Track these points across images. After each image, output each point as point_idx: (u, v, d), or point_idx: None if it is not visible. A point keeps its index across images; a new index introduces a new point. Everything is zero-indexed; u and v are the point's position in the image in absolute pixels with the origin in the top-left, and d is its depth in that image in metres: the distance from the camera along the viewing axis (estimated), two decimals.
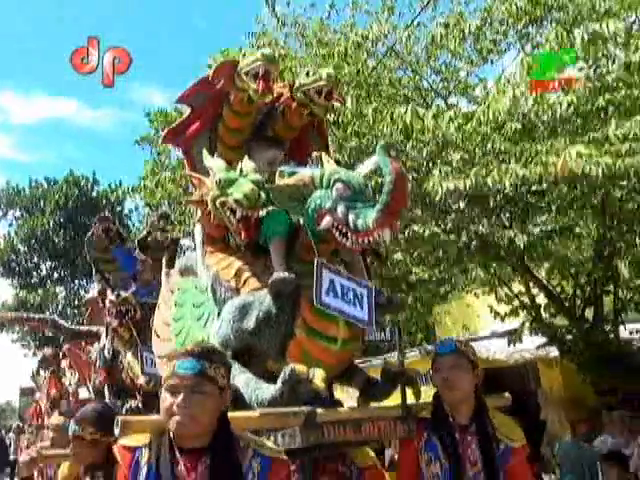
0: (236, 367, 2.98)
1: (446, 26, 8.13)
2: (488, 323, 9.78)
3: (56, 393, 8.16)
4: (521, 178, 5.71)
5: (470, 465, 2.79)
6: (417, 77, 8.58)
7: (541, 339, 8.49)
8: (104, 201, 28.38)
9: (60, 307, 25.41)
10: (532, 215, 7.53)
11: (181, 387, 2.09)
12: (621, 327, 8.01)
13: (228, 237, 3.42)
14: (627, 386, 7.67)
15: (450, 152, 6.46)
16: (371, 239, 2.75)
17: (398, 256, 7.12)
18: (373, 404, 3.18)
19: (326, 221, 2.83)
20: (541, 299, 8.39)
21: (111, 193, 28.57)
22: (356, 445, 3.16)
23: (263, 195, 3.10)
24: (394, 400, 3.08)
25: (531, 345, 8.77)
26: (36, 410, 12.44)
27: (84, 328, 7.40)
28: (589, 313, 8.16)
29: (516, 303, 8.56)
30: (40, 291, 26.97)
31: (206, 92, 3.59)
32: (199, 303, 3.47)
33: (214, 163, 3.33)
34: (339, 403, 3.14)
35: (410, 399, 3.04)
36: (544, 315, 8.28)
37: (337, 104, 3.85)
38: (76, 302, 24.74)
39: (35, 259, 29.10)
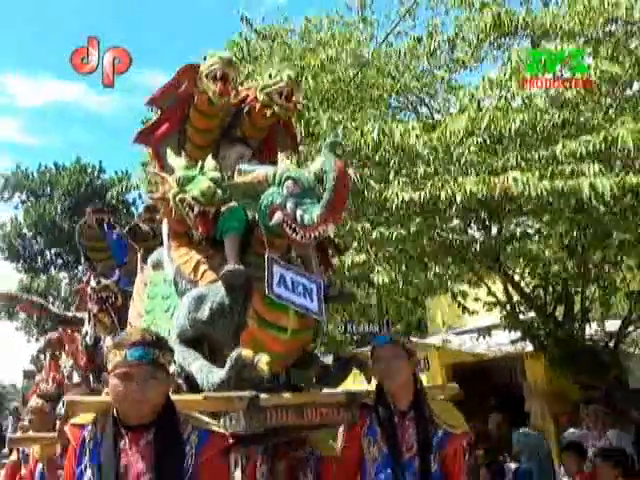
0: (192, 354, 3.20)
1: (419, 40, 8.36)
2: (474, 318, 10.04)
3: (58, 376, 8.33)
4: (470, 193, 5.88)
5: (406, 449, 2.97)
6: (398, 83, 8.68)
7: (518, 334, 8.78)
8: (110, 189, 28.74)
9: (63, 293, 25.69)
10: (502, 218, 7.69)
11: (135, 374, 2.29)
12: (593, 325, 8.31)
13: (191, 232, 3.58)
14: (592, 381, 7.92)
15: (418, 164, 6.62)
16: (317, 234, 2.92)
17: (363, 257, 7.30)
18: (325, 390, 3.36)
19: (277, 217, 2.99)
20: (515, 297, 8.62)
21: (118, 182, 28.93)
22: (311, 430, 3.35)
23: (219, 192, 3.27)
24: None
25: (506, 340, 9.18)
26: (35, 392, 12.67)
27: (70, 314, 7.52)
28: (560, 311, 8.40)
29: (491, 299, 8.77)
30: (44, 277, 27.47)
31: (173, 95, 3.77)
32: (167, 295, 3.64)
33: (176, 162, 3.51)
34: (298, 389, 3.32)
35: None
36: (518, 311, 8.53)
37: (299, 106, 3.99)
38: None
39: (41, 244, 29.44)
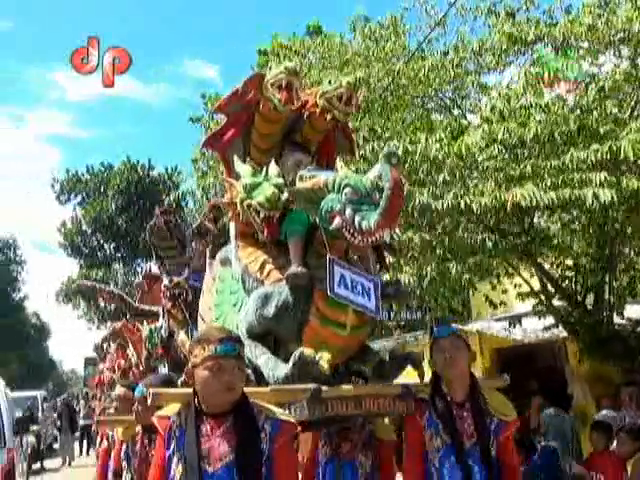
0: (259, 348, 3.47)
1: (445, 54, 8.66)
2: (505, 307, 10.52)
3: (125, 364, 8.80)
4: (483, 206, 6.19)
5: (467, 438, 3.15)
6: (429, 88, 8.95)
7: (550, 321, 9.12)
8: (161, 185, 29.83)
9: (120, 284, 26.73)
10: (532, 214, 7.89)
11: (226, 366, 2.55)
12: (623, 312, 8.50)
13: (257, 234, 3.82)
14: (622, 366, 8.23)
15: (442, 170, 6.86)
16: (374, 239, 3.12)
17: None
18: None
19: (336, 222, 3.18)
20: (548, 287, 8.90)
21: (168, 179, 29.86)
22: (373, 418, 3.59)
23: (283, 197, 3.51)
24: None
25: (539, 327, 9.58)
26: (100, 380, 13.32)
27: (146, 307, 7.92)
28: (590, 299, 8.66)
29: (524, 289, 9.15)
30: (102, 269, 28.76)
31: (239, 102, 3.99)
32: (234, 291, 3.91)
33: (242, 168, 3.76)
34: (364, 378, 3.56)
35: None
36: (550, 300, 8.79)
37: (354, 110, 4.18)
38: (134, 280, 25.96)
39: (100, 240, 30.76)
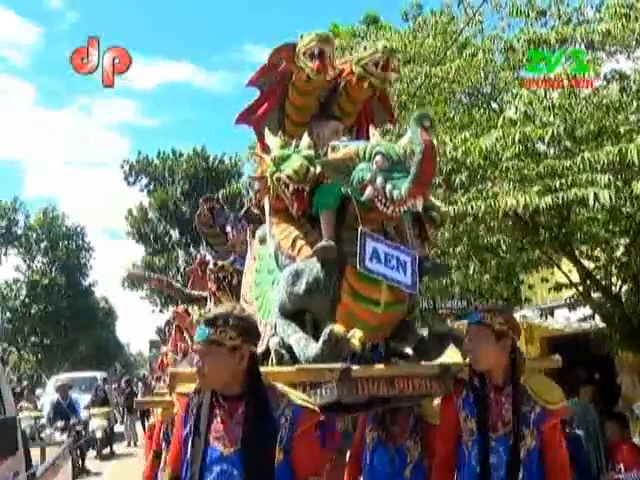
0: (291, 327, 3.33)
1: (474, 55, 8.56)
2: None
3: (184, 345, 8.59)
4: (483, 211, 6.34)
5: (502, 424, 2.93)
6: (464, 87, 8.90)
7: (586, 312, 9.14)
8: (224, 173, 30.16)
9: (181, 270, 27.17)
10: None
11: (197, 351, 2.50)
12: None
13: (289, 209, 3.71)
14: None
15: (461, 171, 6.94)
16: (405, 208, 2.95)
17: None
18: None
19: (368, 192, 3.01)
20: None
21: (232, 167, 30.12)
22: (409, 402, 3.43)
23: (313, 169, 3.36)
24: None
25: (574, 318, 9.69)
26: (162, 362, 13.61)
27: (195, 292, 7.96)
28: (625, 291, 8.50)
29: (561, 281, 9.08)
30: (165, 255, 29.30)
31: (272, 74, 3.86)
32: (272, 269, 3.77)
33: (272, 141, 3.63)
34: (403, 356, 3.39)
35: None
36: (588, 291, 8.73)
37: (394, 75, 3.98)
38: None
39: (166, 227, 31.17)
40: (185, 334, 8.79)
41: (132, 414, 18.92)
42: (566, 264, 8.92)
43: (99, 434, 15.88)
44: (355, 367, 2.91)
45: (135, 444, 18.25)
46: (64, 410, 13.50)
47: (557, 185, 6.14)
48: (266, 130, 3.77)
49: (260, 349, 3.16)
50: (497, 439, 2.92)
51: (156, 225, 31.42)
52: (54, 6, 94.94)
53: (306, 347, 3.14)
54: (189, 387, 2.66)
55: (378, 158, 3.02)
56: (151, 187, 31.35)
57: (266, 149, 3.78)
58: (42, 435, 14.79)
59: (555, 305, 10.37)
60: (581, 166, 6.15)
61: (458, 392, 3.08)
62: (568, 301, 9.17)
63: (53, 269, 40.33)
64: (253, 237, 4.58)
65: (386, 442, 3.93)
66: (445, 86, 8.74)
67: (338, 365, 2.88)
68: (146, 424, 20.56)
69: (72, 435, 12.51)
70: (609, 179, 5.97)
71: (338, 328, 2.98)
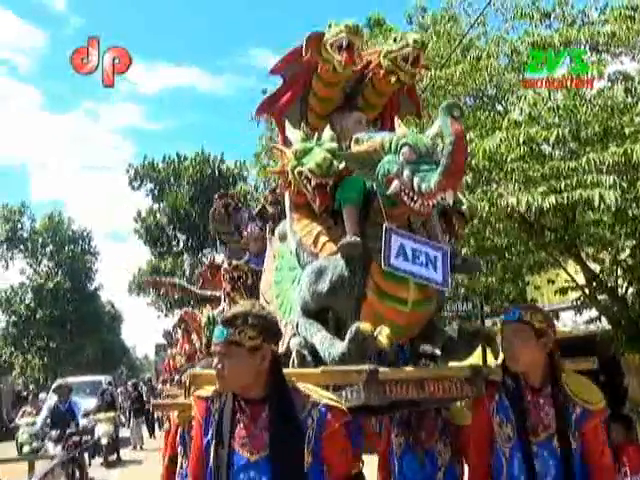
0: (314, 326, 3.17)
1: (478, 59, 8.51)
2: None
3: (190, 348, 8.72)
4: (488, 212, 6.41)
5: (542, 428, 2.75)
6: (467, 88, 8.83)
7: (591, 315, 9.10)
8: (230, 178, 29.92)
9: (187, 273, 27.10)
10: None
11: (216, 353, 2.35)
12: None
13: (311, 204, 3.55)
14: None
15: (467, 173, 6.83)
16: (434, 202, 2.79)
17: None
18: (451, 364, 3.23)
19: (394, 185, 2.86)
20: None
21: (238, 172, 30.02)
22: (436, 404, 3.26)
23: (336, 163, 3.20)
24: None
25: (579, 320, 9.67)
26: (169, 364, 13.54)
27: (208, 293, 7.85)
28: (631, 293, 8.46)
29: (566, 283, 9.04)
30: (170, 259, 29.22)
31: (296, 63, 3.69)
32: (293, 267, 3.62)
33: (293, 134, 3.48)
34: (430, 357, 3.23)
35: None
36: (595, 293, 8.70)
37: (422, 71, 3.83)
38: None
39: (173, 230, 31.06)
40: (193, 336, 8.73)
41: (138, 417, 18.78)
42: (572, 266, 8.93)
43: (105, 440, 15.40)
44: (382, 369, 2.74)
45: (141, 447, 18.08)
46: (62, 415, 12.11)
47: (562, 186, 6.14)
48: (287, 123, 3.62)
49: (280, 349, 3.00)
50: (539, 444, 2.73)
51: (165, 228, 31.27)
52: (58, 10, 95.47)
53: (331, 346, 2.98)
54: (208, 390, 2.52)
55: (405, 150, 2.87)
56: (156, 192, 31.24)
57: (287, 142, 3.64)
58: (34, 445, 14.21)
59: (561, 307, 10.33)
60: (586, 167, 6.15)
61: (490, 395, 2.90)
62: (574, 303, 9.08)
63: (59, 273, 40.20)
64: (272, 234, 4.45)
65: (414, 447, 3.75)
66: (450, 89, 8.69)
67: (365, 367, 2.71)
68: (154, 428, 20.55)
69: (68, 446, 11.54)
70: (614, 180, 5.98)
71: (365, 325, 2.81)
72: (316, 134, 3.42)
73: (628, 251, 8.25)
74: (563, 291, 8.93)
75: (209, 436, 2.39)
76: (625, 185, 6.16)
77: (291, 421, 2.31)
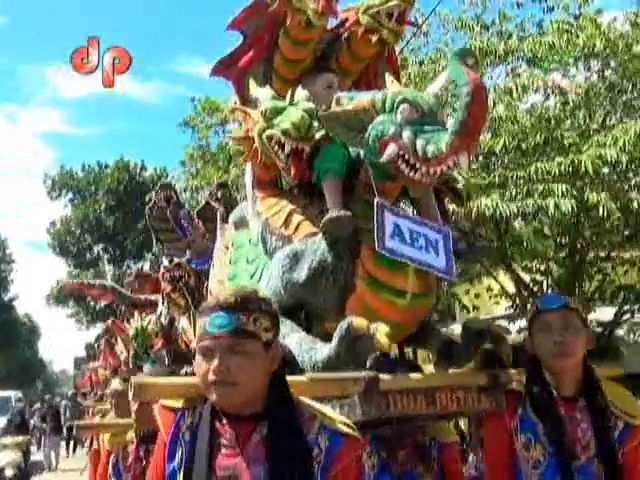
0: (288, 325, 2.56)
1: (421, 63, 8.57)
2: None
3: (114, 361, 8.24)
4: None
5: (581, 449, 2.23)
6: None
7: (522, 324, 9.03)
8: (151, 185, 29.54)
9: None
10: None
11: (216, 349, 1.65)
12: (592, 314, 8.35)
13: (280, 179, 2.98)
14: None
15: None
16: (444, 168, 2.25)
17: None
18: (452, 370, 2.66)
19: (390, 150, 2.29)
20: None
21: (157, 179, 29.41)
22: (433, 420, 2.70)
23: (315, 124, 2.64)
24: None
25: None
26: (90, 378, 12.83)
27: (142, 297, 7.25)
28: None
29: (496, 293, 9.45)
30: (92, 270, 28.57)
31: (260, 16, 3.10)
32: (252, 259, 3.03)
33: (260, 93, 2.90)
34: (417, 368, 2.67)
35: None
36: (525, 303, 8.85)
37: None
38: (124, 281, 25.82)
39: (88, 240, 30.59)
40: (117, 348, 8.11)
41: (56, 436, 17.55)
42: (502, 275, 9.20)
43: (10, 472, 12.78)
44: (385, 376, 2.16)
45: (57, 467, 16.77)
46: None
47: (513, 194, 6.36)
48: (251, 81, 3.03)
49: None
50: (578, 469, 2.20)
51: (79, 238, 30.68)
52: None
53: (312, 349, 2.38)
54: (177, 400, 1.83)
55: (404, 107, 2.31)
56: (76, 201, 30.89)
57: (249, 105, 3.05)
58: None
59: (495, 317, 10.05)
60: (535, 176, 6.37)
61: (511, 410, 2.35)
62: (506, 312, 9.17)
63: None
64: (223, 223, 3.90)
65: (391, 469, 3.13)
66: None
67: (363, 373, 2.14)
68: (75, 446, 19.26)
69: None
70: (567, 188, 6.22)
71: (359, 321, 2.23)
72: (288, 97, 2.84)
73: (558, 263, 8.61)
74: (495, 300, 9.20)
75: (175, 462, 1.72)
76: (575, 193, 6.35)
77: (298, 449, 1.67)
